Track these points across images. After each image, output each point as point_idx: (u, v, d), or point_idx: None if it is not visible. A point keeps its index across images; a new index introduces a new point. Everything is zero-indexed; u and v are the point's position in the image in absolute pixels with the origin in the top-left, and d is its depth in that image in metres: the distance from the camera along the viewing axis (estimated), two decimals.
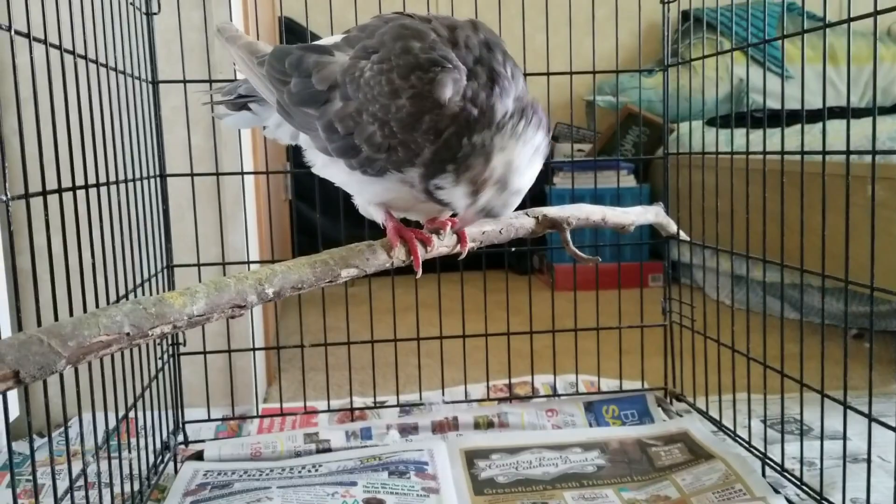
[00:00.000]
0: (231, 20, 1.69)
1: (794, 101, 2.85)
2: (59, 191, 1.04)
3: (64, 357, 0.73)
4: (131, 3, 1.46)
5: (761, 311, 1.40)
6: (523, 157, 0.88)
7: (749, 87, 3.10)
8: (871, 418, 1.12)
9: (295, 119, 0.99)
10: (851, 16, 1.12)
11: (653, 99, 3.45)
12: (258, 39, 1.56)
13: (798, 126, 2.26)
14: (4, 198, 0.88)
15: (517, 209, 1.19)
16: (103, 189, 1.24)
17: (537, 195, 3.20)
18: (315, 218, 1.65)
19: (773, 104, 3.30)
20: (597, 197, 1.83)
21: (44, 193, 0.98)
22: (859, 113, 2.41)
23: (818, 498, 1.25)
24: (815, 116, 2.34)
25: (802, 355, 1.29)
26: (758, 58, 3.42)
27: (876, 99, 1.12)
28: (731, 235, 1.53)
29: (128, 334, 0.78)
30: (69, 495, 1.07)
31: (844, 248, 1.13)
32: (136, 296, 1.39)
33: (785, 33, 1.37)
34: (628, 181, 3.16)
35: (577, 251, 1.20)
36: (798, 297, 2.42)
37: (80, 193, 1.13)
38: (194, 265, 1.61)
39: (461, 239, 1.07)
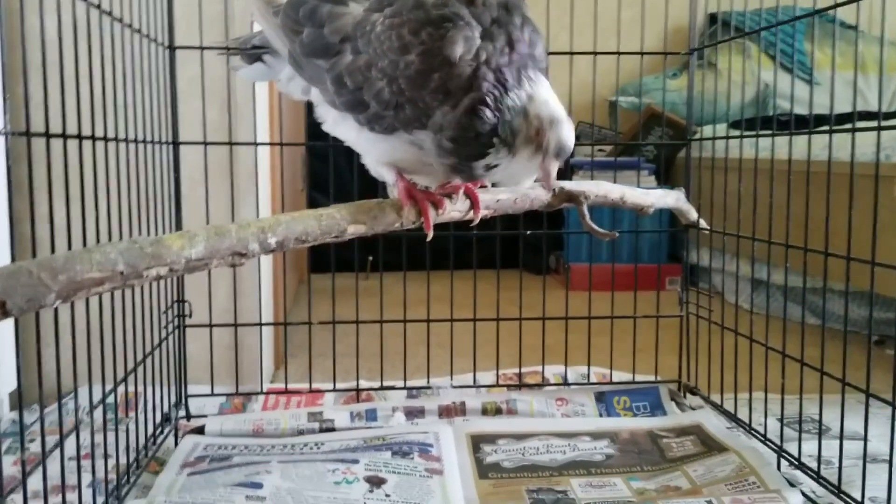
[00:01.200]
0: None
1: (821, 108, 2.80)
2: (64, 136, 1.02)
3: (53, 291, 0.71)
4: None
5: (780, 315, 1.35)
6: (550, 92, 0.89)
7: (776, 92, 3.05)
8: (895, 409, 1.07)
9: (305, 71, 0.97)
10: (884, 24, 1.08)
11: (677, 101, 3.40)
12: None
13: (824, 130, 2.21)
14: (3, 130, 0.85)
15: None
16: (113, 148, 1.22)
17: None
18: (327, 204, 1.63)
19: (800, 110, 3.25)
20: None
21: (47, 135, 0.96)
22: (889, 116, 2.36)
23: (836, 491, 1.20)
24: (842, 120, 2.29)
25: (824, 353, 1.24)
26: (784, 63, 3.37)
27: None
28: (753, 232, 1.48)
29: (122, 273, 0.75)
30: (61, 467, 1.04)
31: (871, 248, 1.09)
32: None
33: (815, 40, 1.33)
34: (649, 182, 3.12)
35: (593, 225, 1.16)
36: (819, 304, 2.36)
37: (90, 147, 1.11)
38: None
39: (474, 204, 1.04)
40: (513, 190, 1.11)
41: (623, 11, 1.62)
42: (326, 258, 1.61)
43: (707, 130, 2.87)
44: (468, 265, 1.63)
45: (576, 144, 0.96)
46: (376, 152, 0.98)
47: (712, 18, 3.45)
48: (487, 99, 0.85)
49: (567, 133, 0.89)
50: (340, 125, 1.00)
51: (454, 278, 1.63)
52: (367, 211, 0.95)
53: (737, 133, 2.64)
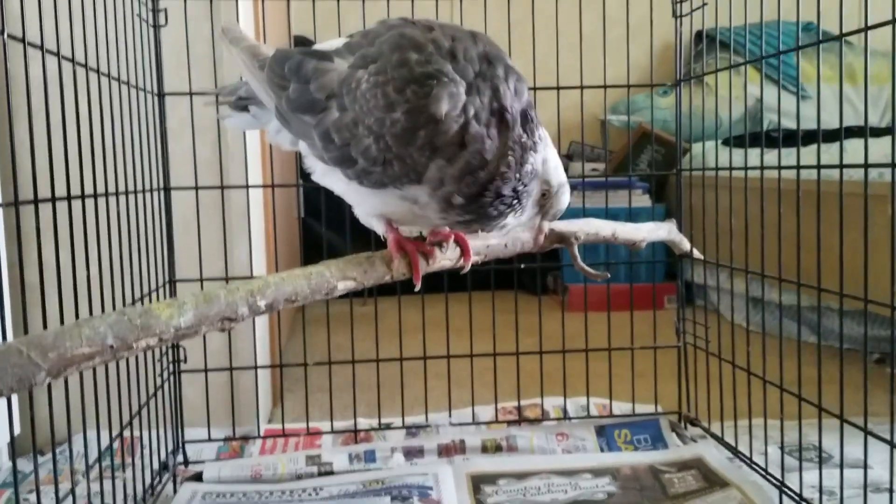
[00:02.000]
0: None
1: (811, 120, 2.81)
2: (53, 200, 1.02)
3: (44, 369, 0.70)
4: (138, 16, 1.45)
5: (777, 333, 1.35)
6: (554, 153, 0.93)
7: (764, 106, 3.06)
8: (893, 445, 1.07)
9: (293, 126, 0.97)
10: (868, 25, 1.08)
11: (667, 119, 3.41)
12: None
13: (814, 146, 2.22)
14: None
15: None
16: (103, 201, 1.21)
17: None
18: (321, 232, 1.62)
19: (789, 123, 3.26)
20: (609, 216, 1.79)
21: (35, 202, 0.96)
22: (878, 132, 2.36)
23: None
24: (833, 137, 2.29)
25: (821, 380, 1.24)
26: (773, 76, 3.38)
27: (895, 115, 1.08)
28: (746, 255, 1.48)
29: (111, 346, 0.75)
30: None
31: (863, 267, 1.09)
32: None
33: (803, 54, 1.33)
34: (642, 200, 3.12)
35: (585, 266, 1.16)
36: (814, 320, 2.36)
37: (79, 205, 1.10)
38: (197, 280, 1.58)
39: (464, 252, 1.04)
40: (502, 234, 1.11)
41: (609, 31, 1.62)
42: None
43: (698, 147, 2.87)
44: (463, 286, 1.63)
45: (568, 161, 0.98)
46: (366, 205, 0.98)
47: (699, 36, 3.46)
48: (510, 171, 0.87)
49: (566, 199, 0.96)
50: (329, 177, 1.00)
51: (449, 300, 1.63)
52: (357, 265, 0.95)
53: (728, 149, 2.65)
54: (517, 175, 0.88)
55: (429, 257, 0.99)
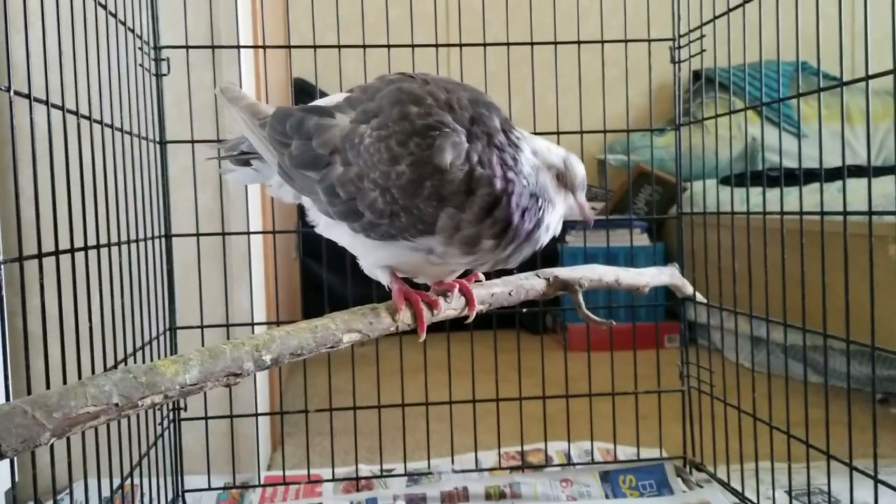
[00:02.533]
0: (242, 81, 1.69)
1: (809, 160, 2.83)
2: (56, 253, 1.02)
3: (49, 429, 0.70)
4: (141, 65, 1.47)
5: (782, 374, 1.35)
6: (538, 139, 0.97)
7: (764, 147, 3.08)
8: None
9: (296, 182, 0.97)
10: (869, 73, 1.10)
11: (665, 158, 3.43)
12: (268, 100, 1.56)
13: (815, 184, 2.23)
14: None
15: (528, 269, 1.17)
16: (106, 251, 1.21)
17: (549, 254, 3.17)
18: (322, 275, 1.62)
19: (788, 163, 3.27)
20: (609, 255, 1.79)
21: (39, 256, 0.96)
22: (876, 172, 2.38)
23: None
24: (831, 175, 2.31)
25: (828, 424, 1.23)
26: (771, 117, 3.41)
27: None
28: (750, 297, 1.48)
29: (116, 405, 0.74)
30: None
31: (870, 311, 1.09)
32: (135, 360, 1.35)
33: (799, 92, 1.35)
34: (641, 240, 3.13)
35: (589, 314, 1.15)
36: (819, 360, 2.35)
37: (81, 255, 1.10)
38: (198, 327, 1.57)
39: (469, 301, 1.04)
40: (506, 282, 1.11)
41: (607, 71, 1.64)
42: (321, 308, 1.55)
43: (696, 186, 2.89)
44: (464, 326, 1.62)
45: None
46: (372, 257, 0.98)
47: (696, 76, 3.50)
48: (516, 181, 0.89)
49: (579, 166, 0.96)
50: (334, 229, 1.00)
51: (451, 339, 1.62)
52: (362, 318, 0.94)
53: (727, 187, 2.66)
54: (524, 181, 0.90)
55: (433, 308, 0.99)
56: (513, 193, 0.88)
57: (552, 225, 0.95)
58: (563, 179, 0.95)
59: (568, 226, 3.15)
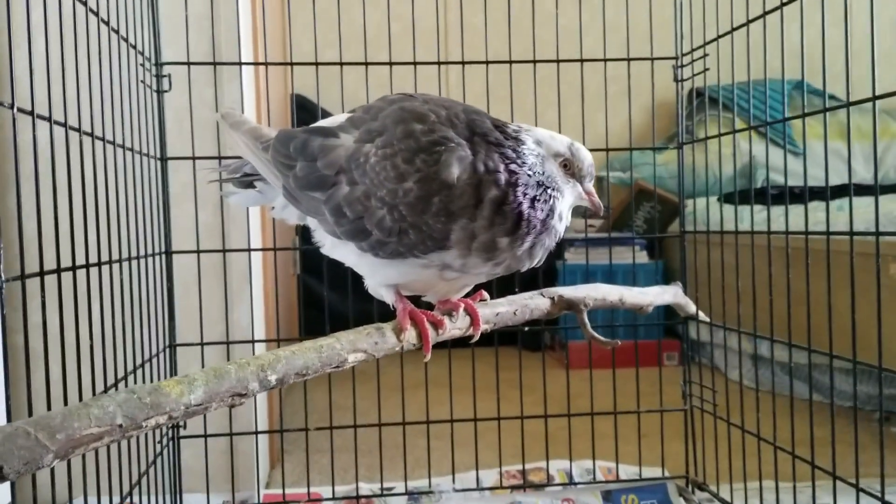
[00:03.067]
0: (243, 97, 1.69)
1: (809, 178, 2.84)
2: (58, 271, 1.01)
3: (52, 451, 0.69)
4: (142, 82, 1.46)
5: (781, 392, 1.34)
6: (541, 129, 0.95)
7: (760, 164, 3.09)
8: None
9: (302, 203, 0.97)
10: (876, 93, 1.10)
11: (663, 175, 3.44)
12: (269, 116, 1.55)
13: (815, 203, 2.23)
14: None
15: (532, 289, 1.17)
16: (107, 268, 1.21)
17: (547, 271, 3.16)
18: (323, 292, 1.61)
19: (782, 181, 3.28)
20: (611, 273, 1.79)
21: (41, 274, 0.95)
22: (886, 190, 2.38)
23: None
24: (832, 193, 2.31)
25: (834, 445, 1.22)
26: (770, 135, 3.42)
27: None
28: (754, 316, 1.47)
29: (120, 426, 0.73)
30: None
31: (877, 330, 1.08)
32: (136, 377, 1.34)
33: (795, 111, 1.35)
34: (641, 257, 3.12)
35: (595, 334, 1.15)
36: (822, 380, 2.34)
37: (81, 272, 1.10)
38: (197, 344, 1.56)
39: (474, 321, 1.03)
40: (511, 301, 1.11)
41: (608, 87, 1.64)
42: (320, 325, 1.53)
43: (695, 203, 2.89)
44: (466, 343, 1.60)
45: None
46: (379, 276, 0.98)
47: (696, 93, 3.51)
48: (520, 172, 0.89)
49: (585, 153, 0.95)
50: (340, 249, 1.00)
51: (452, 356, 1.61)
52: (368, 337, 0.94)
53: (726, 206, 2.67)
54: (529, 172, 0.89)
55: (439, 327, 0.98)
56: (517, 184, 0.88)
57: (564, 213, 0.94)
58: (570, 168, 0.94)
59: (566, 243, 3.14)
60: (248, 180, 1.09)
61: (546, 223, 0.90)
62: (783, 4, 1.30)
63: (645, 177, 3.34)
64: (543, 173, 0.91)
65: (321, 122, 1.02)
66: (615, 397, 1.69)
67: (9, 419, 0.95)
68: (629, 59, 1.65)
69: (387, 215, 0.89)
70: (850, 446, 1.19)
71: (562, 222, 0.93)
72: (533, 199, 0.89)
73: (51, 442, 0.68)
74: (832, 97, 2.80)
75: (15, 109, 0.91)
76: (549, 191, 0.90)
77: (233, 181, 1.11)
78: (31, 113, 0.96)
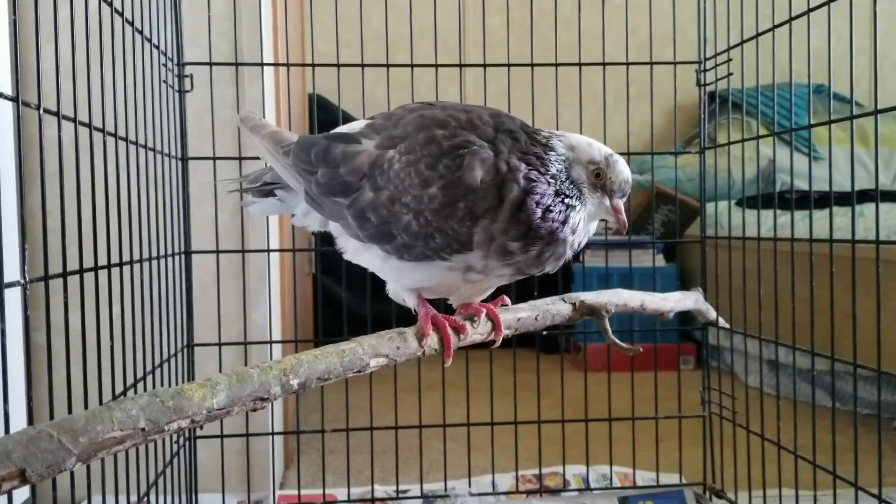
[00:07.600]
0: (264, 98, 1.69)
1: (824, 182, 2.81)
2: (81, 271, 1.01)
3: (74, 454, 0.69)
4: (164, 81, 1.46)
5: (801, 400, 1.33)
6: (581, 136, 0.93)
7: (779, 169, 3.06)
8: None
9: (325, 209, 0.97)
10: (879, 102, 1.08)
11: (681, 178, 3.42)
12: (290, 116, 1.55)
13: (836, 208, 2.20)
14: (23, 280, 0.84)
15: (550, 292, 1.16)
16: (127, 268, 1.21)
17: (564, 273, 3.14)
18: (340, 293, 1.60)
19: (800, 185, 3.25)
20: (627, 276, 1.78)
21: (64, 275, 0.95)
22: (892, 196, 2.35)
23: None
24: (847, 199, 2.29)
25: (857, 454, 1.21)
26: (786, 139, 3.39)
27: None
28: (776, 323, 1.46)
29: (143, 429, 0.73)
30: None
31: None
32: (154, 378, 1.34)
33: (831, 118, 1.33)
34: (658, 261, 3.11)
35: (616, 340, 1.14)
36: (842, 387, 2.32)
37: (103, 272, 1.10)
38: (215, 344, 1.56)
39: (496, 326, 1.02)
40: (533, 307, 1.10)
41: (622, 90, 1.64)
42: (336, 326, 1.52)
43: (711, 207, 2.87)
44: (483, 344, 1.60)
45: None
46: (405, 280, 0.98)
47: (712, 97, 3.49)
48: (539, 180, 0.87)
49: (623, 167, 0.92)
50: (363, 254, 1.00)
51: (469, 358, 1.60)
52: (390, 342, 0.93)
53: (742, 210, 2.65)
54: (548, 179, 0.87)
55: (461, 333, 0.98)
56: (534, 192, 0.86)
57: (580, 225, 0.91)
58: (602, 178, 0.91)
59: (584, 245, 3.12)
60: (267, 189, 1.09)
61: (555, 234, 0.88)
62: (811, 10, 1.29)
63: (662, 180, 3.32)
64: (567, 180, 0.89)
65: (341, 128, 1.02)
66: (633, 402, 1.67)
67: (30, 419, 0.95)
68: (652, 63, 1.64)
69: (413, 220, 0.89)
70: (871, 454, 1.18)
71: (575, 234, 0.91)
72: (546, 209, 0.87)
73: (74, 445, 0.68)
74: (855, 103, 2.76)
75: (41, 110, 0.91)
76: (566, 200, 0.88)
77: (253, 190, 1.11)
78: (57, 113, 0.96)
